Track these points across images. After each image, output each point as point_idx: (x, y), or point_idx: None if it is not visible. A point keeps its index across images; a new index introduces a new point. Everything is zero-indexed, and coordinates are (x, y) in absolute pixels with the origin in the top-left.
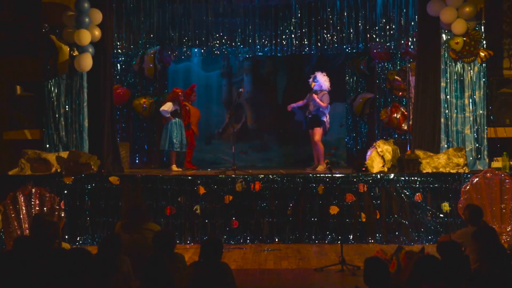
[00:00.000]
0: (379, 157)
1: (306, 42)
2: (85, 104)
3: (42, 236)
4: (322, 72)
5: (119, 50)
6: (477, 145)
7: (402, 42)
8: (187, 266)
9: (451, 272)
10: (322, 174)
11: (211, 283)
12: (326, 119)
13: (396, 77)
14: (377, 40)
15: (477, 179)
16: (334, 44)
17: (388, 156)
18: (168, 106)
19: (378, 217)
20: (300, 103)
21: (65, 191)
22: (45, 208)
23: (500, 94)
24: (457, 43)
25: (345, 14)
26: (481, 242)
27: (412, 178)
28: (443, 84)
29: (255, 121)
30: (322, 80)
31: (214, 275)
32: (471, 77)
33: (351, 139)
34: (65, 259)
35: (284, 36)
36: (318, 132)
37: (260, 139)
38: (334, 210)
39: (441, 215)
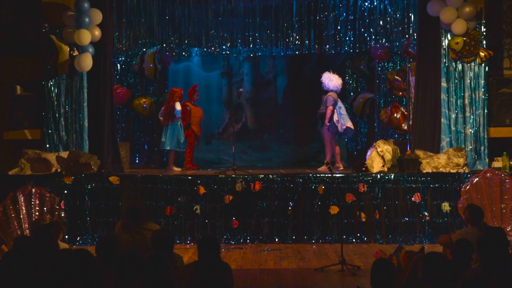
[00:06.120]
0: (379, 157)
1: (306, 42)
2: (85, 104)
3: (43, 236)
4: (329, 71)
5: (119, 50)
6: (477, 145)
7: (403, 41)
8: (185, 266)
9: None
10: (322, 174)
11: (208, 282)
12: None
13: (396, 77)
14: (377, 40)
15: (477, 179)
16: (334, 44)
17: (388, 156)
18: (179, 106)
19: (378, 217)
20: (328, 113)
21: (65, 191)
22: (45, 208)
23: (500, 94)
24: (457, 43)
25: (345, 14)
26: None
27: (412, 178)
28: (443, 84)
29: (255, 121)
30: (327, 81)
31: (211, 274)
32: (471, 77)
33: (351, 139)
34: (66, 259)
35: (284, 36)
36: (324, 132)
37: (260, 139)
38: (334, 210)
39: (441, 215)
